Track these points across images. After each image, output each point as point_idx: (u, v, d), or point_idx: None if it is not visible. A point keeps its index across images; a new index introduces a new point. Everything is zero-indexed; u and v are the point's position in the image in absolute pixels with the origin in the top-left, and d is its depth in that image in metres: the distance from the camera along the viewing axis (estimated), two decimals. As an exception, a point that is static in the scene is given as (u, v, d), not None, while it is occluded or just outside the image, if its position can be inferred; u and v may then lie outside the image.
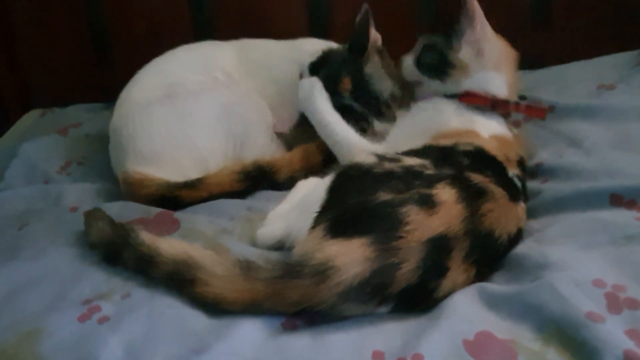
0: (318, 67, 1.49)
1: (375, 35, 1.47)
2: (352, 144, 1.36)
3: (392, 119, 1.41)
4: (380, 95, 1.42)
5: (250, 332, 0.93)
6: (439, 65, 1.33)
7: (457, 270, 0.99)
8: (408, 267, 0.95)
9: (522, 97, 1.39)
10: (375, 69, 1.45)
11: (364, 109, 1.43)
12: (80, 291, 1.04)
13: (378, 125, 1.43)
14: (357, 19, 1.44)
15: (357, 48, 1.44)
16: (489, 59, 1.31)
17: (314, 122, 1.42)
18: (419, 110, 1.36)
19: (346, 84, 1.43)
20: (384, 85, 1.43)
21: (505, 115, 1.31)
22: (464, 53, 1.31)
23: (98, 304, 1.01)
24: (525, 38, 1.77)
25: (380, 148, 1.33)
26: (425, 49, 1.36)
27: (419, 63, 1.37)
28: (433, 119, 1.30)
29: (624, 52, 1.68)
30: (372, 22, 1.44)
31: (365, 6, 1.42)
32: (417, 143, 1.25)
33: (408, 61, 1.39)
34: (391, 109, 1.42)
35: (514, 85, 1.34)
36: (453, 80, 1.32)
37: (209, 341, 0.92)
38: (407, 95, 1.45)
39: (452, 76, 1.32)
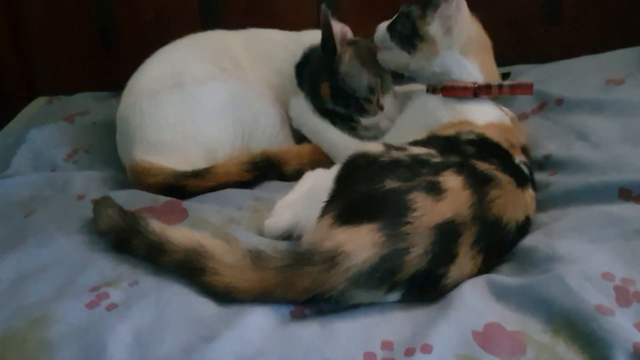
0: (302, 68, 1.50)
1: (342, 30, 1.46)
2: (344, 149, 1.36)
3: (376, 111, 1.42)
4: (357, 93, 1.41)
5: (259, 320, 0.93)
6: (409, 36, 1.32)
7: (465, 257, 1.00)
8: (417, 252, 0.95)
9: (505, 75, 1.37)
10: (349, 67, 1.43)
11: (345, 109, 1.43)
12: (88, 278, 1.04)
13: (365, 120, 1.42)
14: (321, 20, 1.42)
15: (327, 49, 1.43)
16: (457, 40, 1.29)
17: (311, 138, 1.45)
18: (408, 113, 1.37)
19: (324, 88, 1.43)
20: (361, 82, 1.42)
21: (493, 99, 1.30)
22: (433, 27, 1.29)
23: (106, 291, 1.00)
24: (534, 32, 1.77)
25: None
26: (400, 17, 1.34)
27: (391, 30, 1.35)
28: (424, 120, 1.30)
29: (632, 47, 1.67)
30: (333, 20, 1.42)
31: (323, 6, 1.40)
32: (411, 136, 1.25)
33: (382, 27, 1.37)
34: (372, 102, 1.41)
35: (492, 72, 1.33)
36: (421, 56, 1.31)
37: (218, 329, 0.92)
38: (387, 79, 1.45)
39: (420, 50, 1.31)
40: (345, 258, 0.93)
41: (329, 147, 1.43)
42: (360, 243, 0.94)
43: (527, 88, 1.30)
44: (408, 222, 0.97)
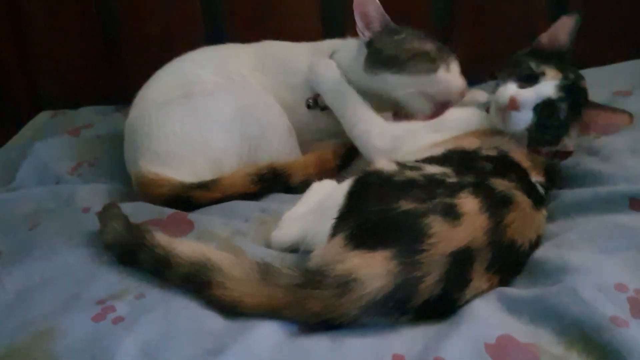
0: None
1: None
2: (370, 120, 1.36)
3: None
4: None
5: (267, 333, 0.92)
6: (549, 141, 1.21)
7: (479, 281, 0.98)
8: (431, 280, 0.94)
9: None
10: None
11: None
12: (94, 291, 1.03)
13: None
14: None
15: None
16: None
17: (329, 100, 1.42)
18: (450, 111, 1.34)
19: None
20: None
21: None
22: (573, 139, 1.23)
23: (112, 304, 0.99)
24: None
25: (397, 129, 1.33)
26: (551, 116, 1.17)
27: (538, 126, 1.18)
28: (464, 122, 1.28)
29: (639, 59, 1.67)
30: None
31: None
32: (437, 138, 1.24)
33: (523, 117, 1.17)
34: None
35: None
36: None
37: (226, 342, 0.90)
38: None
39: (541, 148, 1.23)
40: (359, 285, 0.92)
41: (350, 114, 1.39)
42: (375, 270, 0.93)
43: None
44: (424, 250, 0.95)
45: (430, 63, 1.40)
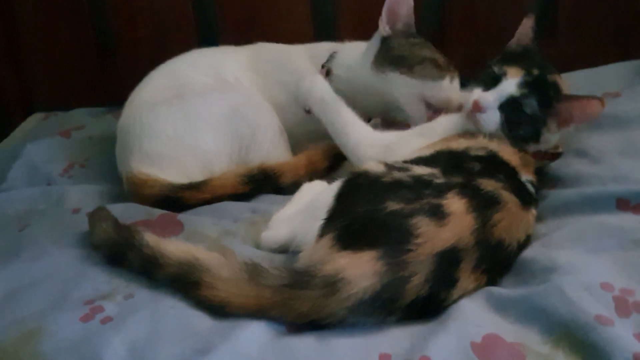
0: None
1: None
2: (359, 131, 1.36)
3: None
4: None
5: (255, 333, 0.93)
6: (528, 137, 1.22)
7: (466, 280, 0.99)
8: (418, 280, 0.94)
9: None
10: None
11: None
12: (83, 291, 1.03)
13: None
14: None
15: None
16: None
17: (318, 113, 1.42)
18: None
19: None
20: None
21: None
22: (555, 136, 1.24)
23: (101, 304, 1.00)
24: (530, 46, 1.77)
25: (386, 138, 1.34)
26: (523, 115, 1.19)
27: (510, 125, 1.20)
28: (450, 125, 1.29)
29: (628, 61, 1.68)
30: None
31: None
32: (426, 142, 1.25)
33: (487, 99, 1.20)
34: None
35: None
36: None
37: (213, 342, 0.91)
38: None
39: (525, 145, 1.23)
40: (346, 285, 0.92)
41: (340, 126, 1.38)
42: (362, 271, 0.93)
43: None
44: (410, 250, 0.95)
45: (438, 71, 1.43)
